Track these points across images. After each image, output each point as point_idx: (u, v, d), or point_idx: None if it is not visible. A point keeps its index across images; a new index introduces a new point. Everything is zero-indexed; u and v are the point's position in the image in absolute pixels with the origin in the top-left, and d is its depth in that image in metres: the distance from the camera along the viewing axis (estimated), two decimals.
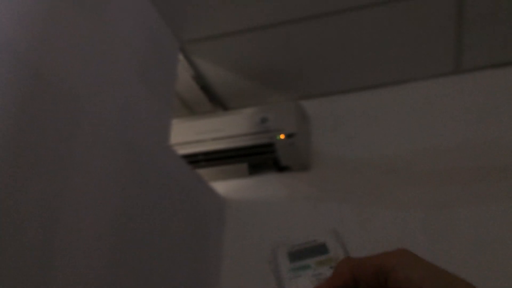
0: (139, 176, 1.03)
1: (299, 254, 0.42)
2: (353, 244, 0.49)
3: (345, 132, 1.50)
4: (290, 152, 1.41)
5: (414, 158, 1.38)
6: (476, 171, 1.31)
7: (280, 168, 1.49)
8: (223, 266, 1.41)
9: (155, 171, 1.10)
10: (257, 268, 1.37)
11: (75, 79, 0.86)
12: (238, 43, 1.35)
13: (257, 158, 1.45)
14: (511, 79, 1.39)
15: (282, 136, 1.38)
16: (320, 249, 0.41)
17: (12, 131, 0.71)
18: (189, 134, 1.48)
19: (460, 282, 0.33)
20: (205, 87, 1.52)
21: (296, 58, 1.40)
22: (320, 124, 1.54)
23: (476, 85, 1.42)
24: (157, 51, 1.20)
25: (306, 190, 1.45)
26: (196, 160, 1.46)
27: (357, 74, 1.47)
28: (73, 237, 0.80)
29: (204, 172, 1.48)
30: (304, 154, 1.44)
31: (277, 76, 1.48)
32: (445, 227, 1.26)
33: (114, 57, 1.00)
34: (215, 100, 1.58)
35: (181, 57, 1.37)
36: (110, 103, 0.96)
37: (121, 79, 1.02)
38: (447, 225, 1.26)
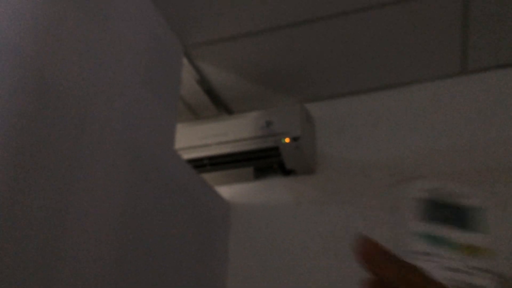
0: (144, 180, 1.02)
1: (438, 212, 0.29)
2: None
3: (351, 134, 1.49)
4: (295, 155, 1.40)
5: (421, 160, 1.37)
6: (484, 172, 1.29)
7: (285, 171, 1.49)
8: (228, 269, 1.40)
9: (160, 175, 1.09)
10: (263, 272, 1.36)
11: (79, 83, 0.86)
12: (242, 47, 1.34)
13: (262, 162, 1.44)
14: None
15: (287, 140, 1.38)
16: (469, 217, 0.29)
17: (17, 134, 0.70)
18: (194, 139, 1.47)
19: None
20: (210, 91, 1.52)
21: (300, 61, 1.40)
22: (326, 127, 1.53)
23: (483, 86, 1.41)
24: (162, 55, 1.20)
25: (312, 194, 1.44)
26: (201, 164, 1.45)
27: (362, 76, 1.46)
28: (78, 240, 0.79)
29: (209, 176, 1.48)
30: (309, 158, 1.43)
31: (282, 79, 1.47)
32: None
33: (119, 61, 1.00)
34: (219, 104, 1.58)
35: (185, 61, 1.37)
36: (115, 107, 0.96)
37: (125, 83, 1.01)
38: None
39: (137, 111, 1.04)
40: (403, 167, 1.38)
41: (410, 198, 0.30)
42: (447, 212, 0.29)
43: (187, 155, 1.43)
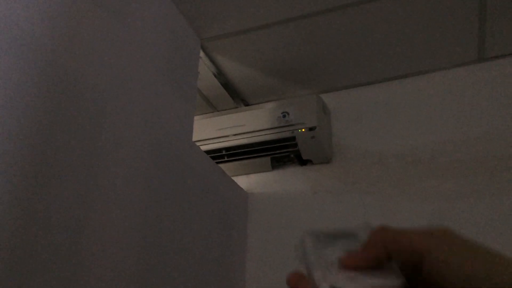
0: (165, 171, 1.06)
1: (327, 241, 0.40)
2: None
3: (367, 124, 1.50)
4: (312, 145, 1.42)
5: (438, 149, 1.37)
6: (502, 160, 1.28)
7: (302, 161, 1.51)
8: (247, 256, 1.43)
9: (179, 166, 1.13)
10: (280, 259, 1.39)
11: (100, 78, 0.90)
12: (258, 39, 1.36)
13: (279, 152, 1.46)
14: None
15: (303, 130, 1.40)
16: (349, 239, 0.39)
17: (39, 129, 0.74)
18: (212, 131, 1.50)
19: (504, 265, 0.29)
20: (227, 84, 1.55)
21: (316, 52, 1.41)
22: (342, 117, 1.54)
23: (500, 73, 1.39)
24: (179, 49, 1.23)
25: (328, 183, 1.46)
26: (219, 155, 1.49)
27: (378, 66, 1.46)
28: (101, 234, 0.83)
29: (227, 166, 1.51)
30: (326, 147, 1.45)
31: (298, 70, 1.49)
32: (470, 218, 1.25)
33: (138, 55, 1.03)
34: (236, 96, 1.61)
35: (202, 54, 1.40)
36: (135, 101, 0.99)
37: (145, 77, 1.05)
38: (472, 215, 1.25)
39: (156, 104, 1.07)
40: (419, 156, 1.38)
41: (308, 243, 0.41)
42: (336, 239, 0.40)
43: (205, 147, 1.47)
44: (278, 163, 1.54)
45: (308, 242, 0.41)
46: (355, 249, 0.36)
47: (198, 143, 1.41)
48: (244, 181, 1.54)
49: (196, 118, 1.30)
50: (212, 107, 1.66)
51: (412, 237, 0.33)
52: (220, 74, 1.50)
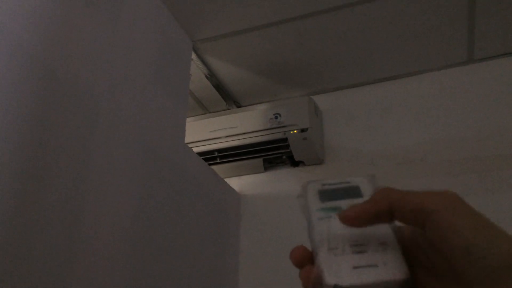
0: (157, 173, 1.06)
1: (330, 194, 0.38)
2: None
3: (358, 125, 1.51)
4: (304, 146, 1.42)
5: (429, 149, 1.38)
6: (492, 160, 1.30)
7: (294, 162, 1.51)
8: (240, 258, 1.43)
9: (171, 168, 1.13)
10: (273, 260, 1.39)
11: (91, 80, 0.89)
12: (250, 41, 1.36)
13: (272, 153, 1.47)
14: None
15: (295, 131, 1.40)
16: (353, 191, 0.38)
17: (31, 131, 0.74)
18: (204, 132, 1.50)
19: (507, 239, 0.30)
20: (218, 86, 1.55)
21: (308, 53, 1.41)
22: (334, 118, 1.55)
23: (489, 74, 1.41)
24: (171, 50, 1.23)
25: None
26: (211, 157, 1.49)
27: (369, 68, 1.47)
28: (94, 235, 0.83)
29: (219, 168, 1.51)
30: (318, 148, 1.45)
31: (290, 72, 1.49)
32: None
33: (129, 57, 1.03)
34: (228, 98, 1.61)
35: (194, 56, 1.40)
36: (126, 102, 0.99)
37: (136, 78, 1.04)
38: None
39: (148, 106, 1.07)
40: (411, 156, 1.40)
41: (310, 192, 0.39)
42: (337, 193, 0.38)
43: (198, 149, 1.47)
44: (270, 164, 1.54)
45: (310, 192, 0.39)
46: (357, 202, 0.35)
47: (190, 145, 1.40)
48: (236, 183, 1.54)
49: (188, 120, 1.30)
50: (204, 108, 1.66)
51: (420, 195, 0.33)
52: (212, 76, 1.50)
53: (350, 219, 0.34)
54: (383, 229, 0.35)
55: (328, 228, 0.35)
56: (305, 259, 0.36)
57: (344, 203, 0.37)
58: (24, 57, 0.74)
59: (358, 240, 0.34)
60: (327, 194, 0.39)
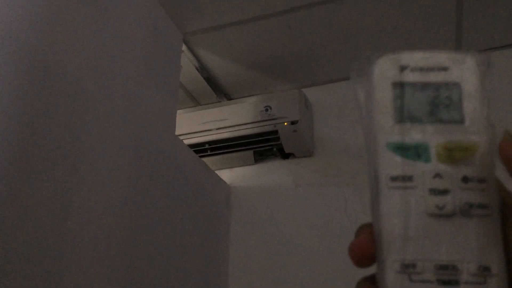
0: (147, 165, 1.06)
1: (414, 100, 0.23)
2: None
3: (348, 118, 1.52)
4: (294, 139, 1.44)
5: None
6: None
7: (284, 155, 1.52)
8: (230, 250, 1.44)
9: (162, 160, 1.13)
10: (263, 252, 1.41)
11: (80, 72, 0.89)
12: (241, 33, 1.37)
13: (262, 146, 1.48)
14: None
15: (286, 124, 1.41)
16: (450, 101, 0.23)
17: (19, 124, 0.74)
18: (194, 125, 1.51)
19: None
20: (209, 78, 1.55)
21: (298, 47, 1.42)
22: (323, 111, 1.56)
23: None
24: (161, 43, 1.22)
25: (310, 176, 1.48)
26: (202, 149, 1.49)
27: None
28: (83, 226, 0.83)
29: (210, 160, 1.52)
30: (308, 141, 1.47)
31: (280, 65, 1.50)
32: None
33: (119, 49, 1.03)
34: (219, 91, 1.61)
35: (184, 48, 1.40)
36: (116, 95, 0.99)
37: (126, 71, 1.04)
38: None
39: (138, 98, 1.07)
40: None
41: (378, 83, 0.23)
42: (423, 99, 0.23)
43: (188, 141, 1.47)
44: (260, 156, 1.55)
45: (379, 82, 0.24)
46: (460, 141, 0.22)
47: (181, 137, 1.41)
48: (227, 175, 1.55)
49: (178, 112, 1.30)
50: (195, 101, 1.66)
51: None
52: (202, 68, 1.50)
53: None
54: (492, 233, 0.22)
55: (408, 211, 0.21)
56: (369, 259, 0.24)
57: (434, 137, 0.21)
58: (13, 49, 0.74)
59: (450, 255, 0.21)
60: (409, 99, 0.23)
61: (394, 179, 0.22)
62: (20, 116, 0.73)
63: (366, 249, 0.23)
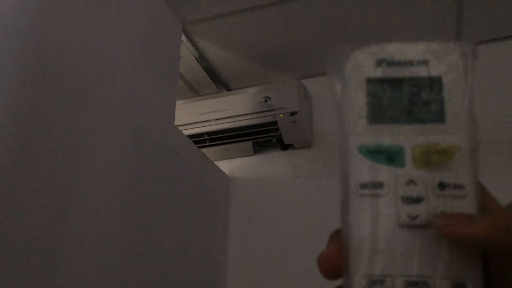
0: (146, 156, 1.06)
1: (386, 98, 0.21)
2: None
3: None
4: (293, 130, 1.44)
5: None
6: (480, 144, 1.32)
7: (283, 146, 1.52)
8: (229, 240, 1.45)
9: (161, 151, 1.13)
10: (262, 243, 1.41)
11: (80, 61, 0.89)
12: (240, 23, 1.36)
13: (261, 136, 1.48)
14: None
15: (285, 115, 1.41)
16: (429, 98, 0.21)
17: (16, 112, 0.74)
18: (194, 115, 1.51)
19: None
20: (208, 68, 1.54)
21: (297, 37, 1.41)
22: (323, 102, 1.56)
23: (478, 59, 1.43)
24: (160, 33, 1.22)
25: (309, 167, 1.48)
26: (201, 140, 1.49)
27: None
28: (82, 217, 0.84)
29: (209, 151, 1.52)
30: (307, 132, 1.47)
31: (280, 56, 1.49)
32: None
33: (118, 40, 1.02)
34: (218, 81, 1.61)
35: (183, 38, 1.39)
36: (115, 85, 0.99)
37: (125, 60, 1.04)
38: None
39: (137, 88, 1.07)
40: None
41: (351, 81, 0.20)
42: (400, 97, 0.20)
43: (187, 131, 1.47)
44: (260, 147, 1.56)
45: (351, 79, 0.22)
46: (438, 140, 0.20)
47: (180, 128, 1.41)
48: (226, 166, 1.55)
49: (178, 102, 1.30)
50: (194, 91, 1.66)
51: None
52: (202, 59, 1.50)
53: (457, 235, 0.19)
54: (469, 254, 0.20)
55: (377, 221, 0.19)
56: (339, 272, 0.22)
57: (409, 134, 0.19)
58: (12, 37, 0.74)
59: (422, 270, 0.19)
60: (384, 97, 0.21)
61: (363, 186, 0.20)
62: (20, 107, 0.73)
63: (335, 261, 0.22)
